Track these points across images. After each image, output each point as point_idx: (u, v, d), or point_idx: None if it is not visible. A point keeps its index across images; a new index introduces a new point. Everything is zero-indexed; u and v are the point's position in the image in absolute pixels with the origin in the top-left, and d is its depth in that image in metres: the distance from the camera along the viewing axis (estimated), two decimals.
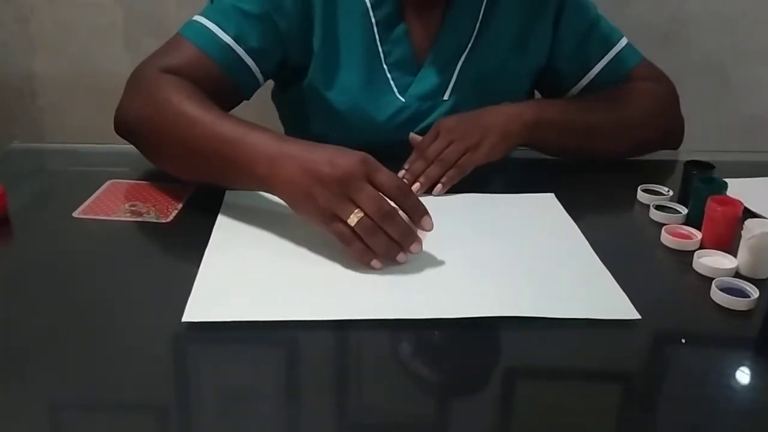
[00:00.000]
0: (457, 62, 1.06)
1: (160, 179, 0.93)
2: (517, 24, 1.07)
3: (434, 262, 0.76)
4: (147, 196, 0.89)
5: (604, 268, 0.76)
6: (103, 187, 0.91)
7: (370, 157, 0.75)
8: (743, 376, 0.63)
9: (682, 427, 0.58)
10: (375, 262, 0.73)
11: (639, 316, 0.68)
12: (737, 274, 0.76)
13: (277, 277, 0.73)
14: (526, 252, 0.80)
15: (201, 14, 0.98)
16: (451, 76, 1.06)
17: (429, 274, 0.74)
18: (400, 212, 0.74)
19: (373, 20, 1.02)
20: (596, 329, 0.68)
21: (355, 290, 0.71)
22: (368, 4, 1.01)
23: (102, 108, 1.79)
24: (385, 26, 1.03)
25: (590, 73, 1.10)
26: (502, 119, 0.98)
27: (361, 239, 0.73)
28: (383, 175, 0.74)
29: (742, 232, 0.77)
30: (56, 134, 1.81)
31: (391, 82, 1.05)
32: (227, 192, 0.90)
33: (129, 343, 0.63)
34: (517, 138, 0.99)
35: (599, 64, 1.10)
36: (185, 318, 0.65)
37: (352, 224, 0.72)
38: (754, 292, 0.71)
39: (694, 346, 0.68)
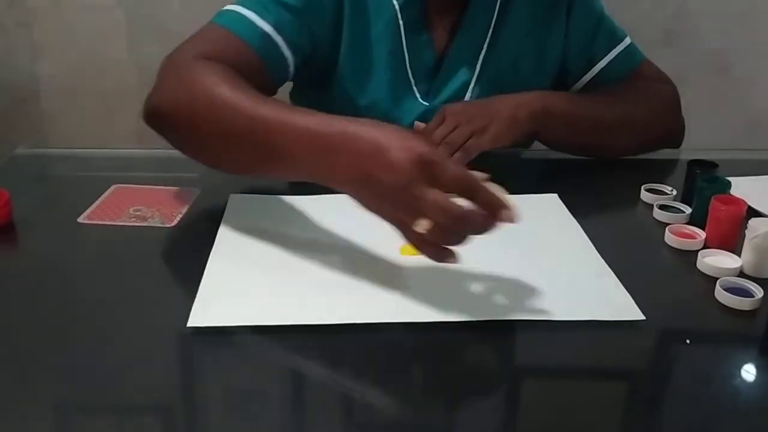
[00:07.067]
0: (476, 63, 1.06)
1: (165, 184, 0.93)
2: (532, 21, 1.08)
3: (438, 265, 0.76)
4: (151, 200, 0.90)
5: (608, 268, 0.76)
6: (108, 192, 0.92)
7: (428, 152, 0.65)
8: (748, 375, 0.63)
9: (687, 426, 0.58)
10: (453, 260, 0.67)
11: (643, 317, 0.68)
12: (741, 274, 0.76)
13: (282, 281, 0.73)
14: (530, 253, 0.80)
15: (236, 4, 0.95)
16: (472, 77, 1.06)
17: (432, 277, 0.74)
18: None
19: (400, 23, 1.02)
20: (601, 330, 0.68)
21: (360, 294, 0.71)
22: (396, 8, 1.01)
23: (106, 112, 1.81)
24: (411, 30, 1.03)
25: (594, 68, 1.11)
26: (510, 106, 0.98)
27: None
28: (446, 172, 0.65)
29: (746, 231, 0.77)
30: (60, 138, 1.81)
31: (414, 87, 1.05)
32: (231, 195, 0.90)
33: (134, 348, 0.63)
34: (524, 125, 0.99)
35: (604, 59, 1.11)
36: (190, 323, 0.65)
37: (420, 231, 0.65)
38: (759, 292, 0.71)
39: (699, 346, 0.67)
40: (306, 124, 0.71)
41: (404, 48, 1.03)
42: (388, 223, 0.69)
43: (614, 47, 1.11)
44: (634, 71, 1.12)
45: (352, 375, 0.62)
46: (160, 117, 0.85)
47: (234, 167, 0.83)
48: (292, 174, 0.77)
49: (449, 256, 0.67)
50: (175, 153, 0.86)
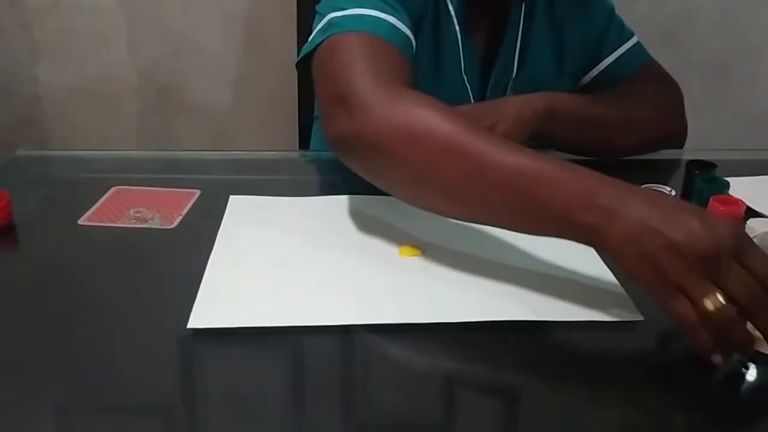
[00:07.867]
0: (512, 69, 1.08)
1: (165, 185, 0.93)
2: (554, 23, 1.10)
3: (438, 266, 0.77)
4: (151, 202, 0.90)
5: (607, 269, 0.76)
6: (108, 193, 0.92)
7: (742, 230, 0.62)
8: (747, 375, 0.63)
9: (687, 426, 0.58)
10: (717, 357, 0.60)
11: (642, 317, 0.68)
12: None
13: (282, 282, 0.73)
14: (529, 254, 0.80)
15: (362, 7, 0.87)
16: (509, 83, 1.08)
17: (434, 278, 0.75)
18: None
19: (457, 28, 1.02)
20: (599, 331, 0.68)
21: (360, 296, 0.71)
22: (452, 12, 1.02)
23: (106, 113, 1.81)
24: (464, 34, 1.04)
25: (602, 63, 1.13)
26: (515, 106, 0.99)
27: (705, 326, 0.59)
28: (758, 256, 0.59)
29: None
30: (60, 140, 1.82)
31: (470, 93, 1.06)
32: (231, 197, 0.90)
33: (134, 350, 0.64)
34: (530, 124, 0.99)
35: (612, 55, 1.13)
36: (190, 324, 0.65)
37: (709, 308, 0.58)
38: None
39: None
40: (588, 184, 0.66)
41: (460, 53, 1.04)
42: (654, 292, 0.62)
43: (623, 44, 1.13)
44: (639, 69, 1.14)
45: (352, 376, 0.63)
46: (367, 149, 0.76)
47: (471, 216, 0.75)
48: (553, 231, 0.69)
49: (716, 354, 0.60)
50: (175, 154, 0.86)
